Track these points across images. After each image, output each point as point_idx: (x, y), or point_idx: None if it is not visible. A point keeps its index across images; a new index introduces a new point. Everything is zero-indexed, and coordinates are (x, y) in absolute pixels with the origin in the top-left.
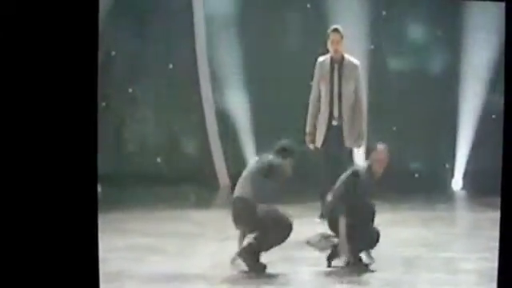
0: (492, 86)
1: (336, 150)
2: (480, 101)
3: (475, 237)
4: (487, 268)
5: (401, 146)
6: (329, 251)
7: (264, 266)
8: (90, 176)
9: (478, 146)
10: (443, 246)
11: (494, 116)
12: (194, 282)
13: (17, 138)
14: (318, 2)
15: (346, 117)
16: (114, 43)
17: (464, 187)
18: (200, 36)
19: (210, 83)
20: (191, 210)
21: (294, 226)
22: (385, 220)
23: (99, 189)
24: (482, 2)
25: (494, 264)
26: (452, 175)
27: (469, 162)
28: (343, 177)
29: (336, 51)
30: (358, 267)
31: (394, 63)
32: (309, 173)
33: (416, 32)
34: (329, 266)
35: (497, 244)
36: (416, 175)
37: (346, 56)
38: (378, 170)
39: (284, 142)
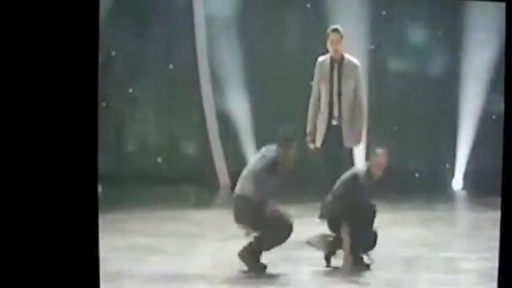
0: (492, 86)
1: (336, 150)
2: (480, 101)
3: (475, 237)
4: (487, 268)
5: (401, 145)
6: (326, 250)
7: (264, 266)
8: (90, 176)
9: (479, 146)
10: (443, 246)
11: (494, 116)
12: (194, 282)
13: (17, 138)
14: (317, 2)
15: (345, 116)
16: (115, 43)
17: (464, 187)
18: (200, 36)
19: (210, 83)
20: (191, 210)
21: (295, 226)
22: (385, 220)
23: (99, 189)
24: (482, 2)
25: (495, 264)
26: (452, 175)
27: (469, 162)
28: (343, 178)
29: (336, 51)
30: (358, 267)
31: (394, 63)
32: (309, 173)
33: (416, 32)
34: (328, 265)
35: (497, 244)
36: (416, 175)
37: (346, 56)
38: (377, 173)
39: (285, 128)
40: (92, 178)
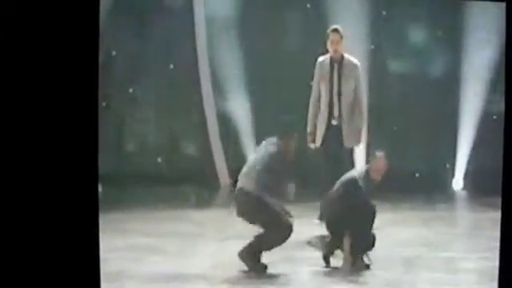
0: (492, 86)
1: (336, 150)
2: (480, 101)
3: (476, 237)
4: (488, 268)
5: (401, 145)
6: (324, 251)
7: (265, 267)
8: (90, 176)
9: (479, 146)
10: (444, 246)
11: (494, 116)
12: (194, 282)
13: (18, 138)
14: (318, 2)
15: (345, 116)
16: (115, 43)
17: (465, 187)
18: (200, 36)
19: (210, 83)
20: (191, 210)
21: (295, 226)
22: (385, 220)
23: (100, 189)
24: (482, 2)
25: (495, 264)
26: (453, 175)
27: (469, 162)
28: (342, 179)
29: (336, 51)
30: (358, 267)
31: (395, 63)
32: (309, 173)
33: (416, 32)
34: (326, 265)
35: (497, 244)
36: (417, 175)
37: (346, 56)
38: (377, 177)
39: (286, 119)
40: (92, 177)
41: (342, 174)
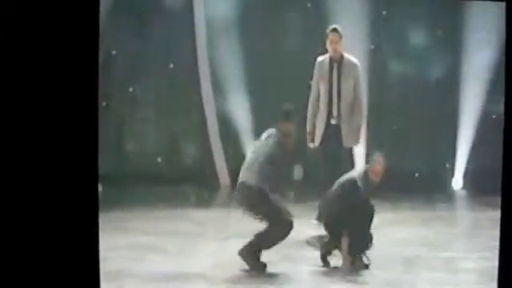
0: (492, 86)
1: (335, 149)
2: (480, 100)
3: (475, 236)
4: (488, 267)
5: (401, 145)
6: (322, 250)
7: (264, 265)
8: (90, 175)
9: (479, 146)
10: (443, 246)
11: (494, 116)
12: (194, 281)
13: (18, 138)
14: (318, 2)
15: (344, 115)
16: (115, 43)
17: (464, 187)
18: (200, 36)
19: (210, 83)
20: (191, 210)
21: (294, 226)
22: (385, 219)
23: (100, 188)
24: (482, 2)
25: (495, 263)
26: (452, 175)
27: (469, 162)
28: (341, 180)
29: (335, 50)
30: (357, 267)
31: (394, 63)
32: (308, 172)
33: (416, 32)
34: (324, 265)
35: (497, 243)
36: (416, 175)
37: (346, 55)
38: (375, 179)
39: (286, 106)
40: (92, 177)
41: (341, 173)
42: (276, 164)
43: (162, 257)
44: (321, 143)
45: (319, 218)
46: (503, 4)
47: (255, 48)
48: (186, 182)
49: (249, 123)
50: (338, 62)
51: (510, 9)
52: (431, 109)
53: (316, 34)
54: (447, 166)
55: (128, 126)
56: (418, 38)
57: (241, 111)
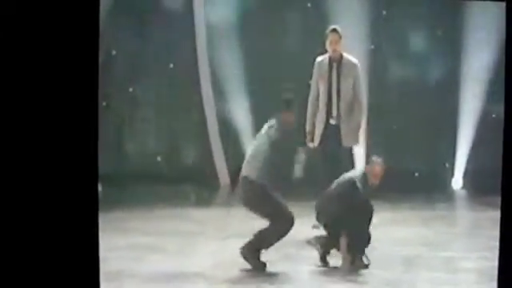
0: (492, 86)
1: (334, 149)
2: (480, 100)
3: (475, 236)
4: (487, 267)
5: (401, 145)
6: (320, 250)
7: (264, 265)
8: (90, 175)
9: (478, 145)
10: (443, 245)
11: (494, 115)
12: (194, 280)
13: (18, 138)
14: (318, 2)
15: (344, 115)
16: (115, 43)
17: (464, 186)
18: (200, 36)
19: (210, 83)
20: (191, 209)
21: (294, 226)
22: (385, 219)
23: (100, 188)
24: (482, 2)
25: (495, 263)
26: (452, 174)
27: (469, 161)
28: (340, 180)
29: (334, 50)
30: (357, 266)
31: (394, 63)
32: (308, 172)
33: (416, 32)
34: (323, 265)
35: (497, 243)
36: (416, 174)
37: (345, 55)
38: (374, 181)
39: (286, 93)
40: (92, 177)
41: (340, 173)
42: (278, 152)
43: (161, 257)
44: (320, 143)
45: (317, 218)
46: (503, 4)
47: (255, 48)
48: (185, 182)
49: (249, 123)
50: (337, 61)
51: (510, 9)
52: (431, 108)
53: (316, 34)
54: (447, 165)
55: (128, 126)
56: (417, 37)
57: (241, 111)
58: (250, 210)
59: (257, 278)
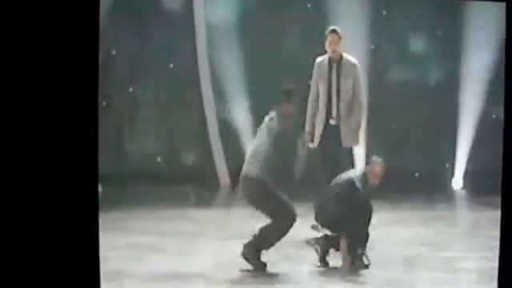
0: (492, 86)
1: (333, 149)
2: (480, 100)
3: (475, 236)
4: (487, 267)
5: (401, 145)
6: (320, 251)
7: (264, 265)
8: (90, 175)
9: (478, 146)
10: (443, 246)
11: (494, 115)
12: (194, 281)
13: (18, 138)
14: (318, 2)
15: (343, 116)
16: (115, 42)
17: (464, 186)
18: (200, 36)
19: (210, 83)
20: (191, 209)
21: (294, 226)
22: (385, 219)
23: (100, 188)
24: (482, 2)
25: (495, 263)
26: (452, 174)
27: (469, 162)
28: (339, 180)
29: (334, 51)
30: (357, 267)
31: (394, 63)
32: (308, 172)
33: (416, 32)
34: (323, 265)
35: (497, 243)
36: (416, 174)
37: (345, 55)
38: (374, 182)
39: (286, 86)
40: (92, 177)
41: (340, 173)
42: (279, 150)
43: (161, 257)
44: (320, 143)
45: (316, 219)
46: (503, 4)
47: (255, 48)
48: (186, 182)
49: (249, 123)
50: (337, 62)
51: (510, 9)
52: (431, 109)
53: (316, 35)
54: (447, 165)
55: (128, 126)
56: (417, 38)
57: (241, 111)
58: (254, 206)
59: (257, 278)
